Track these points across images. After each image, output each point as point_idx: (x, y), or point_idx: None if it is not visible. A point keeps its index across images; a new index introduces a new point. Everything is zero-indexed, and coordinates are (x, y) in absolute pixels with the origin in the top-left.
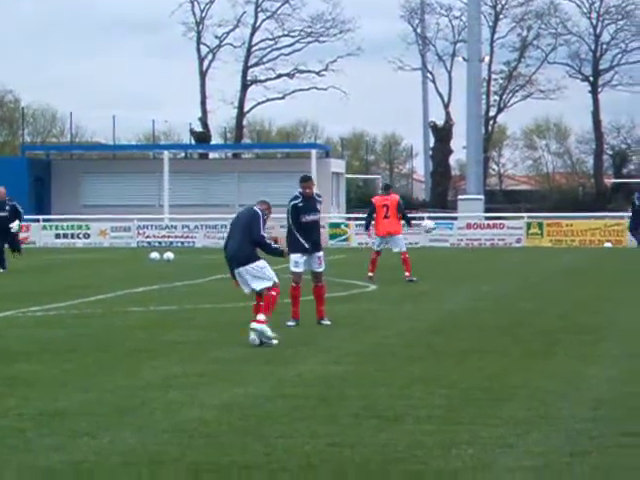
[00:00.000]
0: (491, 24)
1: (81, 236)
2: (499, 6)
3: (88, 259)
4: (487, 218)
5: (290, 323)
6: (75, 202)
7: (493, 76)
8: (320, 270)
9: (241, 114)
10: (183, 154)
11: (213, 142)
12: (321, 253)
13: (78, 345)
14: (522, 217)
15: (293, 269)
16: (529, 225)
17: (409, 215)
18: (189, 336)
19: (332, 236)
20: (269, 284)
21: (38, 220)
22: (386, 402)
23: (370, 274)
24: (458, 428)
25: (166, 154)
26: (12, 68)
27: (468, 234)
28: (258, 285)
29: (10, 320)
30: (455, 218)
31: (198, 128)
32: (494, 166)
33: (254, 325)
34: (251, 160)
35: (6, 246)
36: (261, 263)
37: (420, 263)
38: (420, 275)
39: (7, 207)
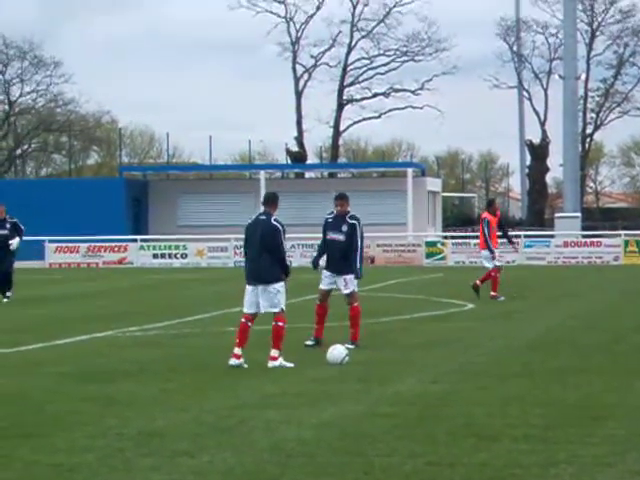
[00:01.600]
0: (587, 41)
1: (178, 256)
2: (595, 23)
3: (185, 279)
4: (584, 236)
5: (309, 342)
6: (172, 222)
7: (589, 94)
8: (347, 292)
9: (337, 133)
10: (279, 174)
11: (309, 162)
12: (349, 276)
13: (176, 365)
14: (619, 235)
15: (320, 285)
16: (627, 243)
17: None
18: (286, 356)
19: (428, 255)
20: (276, 310)
21: (136, 240)
22: (483, 421)
23: (493, 293)
24: (556, 447)
25: (262, 174)
26: (108, 89)
27: (565, 252)
28: (266, 308)
29: (110, 340)
30: (552, 236)
31: (294, 148)
32: (591, 184)
33: (270, 364)
34: (347, 179)
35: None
36: (279, 286)
37: (517, 281)
38: (517, 293)
39: (7, 225)
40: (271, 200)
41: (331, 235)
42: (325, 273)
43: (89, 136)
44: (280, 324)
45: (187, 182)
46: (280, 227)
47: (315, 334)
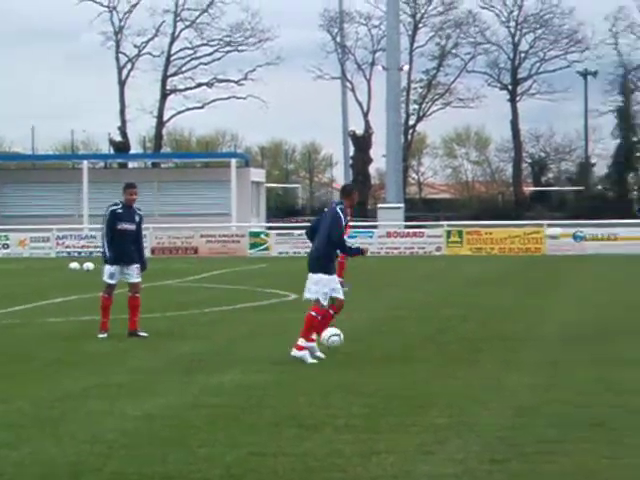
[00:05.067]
0: (410, 33)
1: (0, 246)
2: (418, 15)
3: (7, 269)
4: (407, 227)
5: (102, 335)
6: None
7: (412, 85)
8: (136, 281)
9: (160, 123)
10: (102, 164)
11: (132, 151)
12: (138, 265)
13: None
14: (442, 225)
15: (107, 280)
16: (449, 233)
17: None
18: (109, 346)
19: (252, 245)
20: (313, 298)
21: None
22: (306, 411)
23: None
24: (378, 436)
25: (85, 164)
26: None
27: (388, 242)
28: (307, 294)
29: None
30: (375, 227)
31: (117, 137)
32: (414, 175)
33: (295, 354)
34: (170, 170)
35: None
36: (325, 278)
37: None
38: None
39: None
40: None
41: (123, 225)
42: (113, 267)
43: None
44: (313, 313)
45: (9, 172)
46: (340, 214)
47: (103, 327)
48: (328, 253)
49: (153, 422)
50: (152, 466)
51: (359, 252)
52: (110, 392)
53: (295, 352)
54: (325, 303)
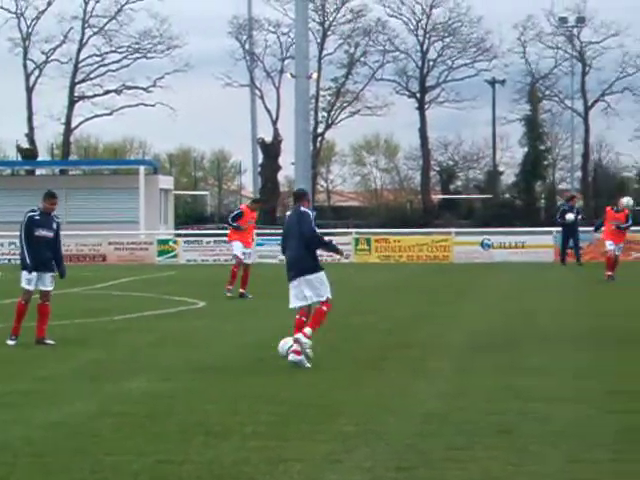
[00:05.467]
0: (319, 41)
1: None
2: (327, 23)
3: None
4: None
5: (11, 342)
6: None
7: (321, 93)
8: (49, 289)
9: (68, 130)
10: (10, 171)
11: (40, 159)
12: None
13: None
14: (350, 233)
15: (25, 286)
16: (357, 241)
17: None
18: (16, 354)
19: (160, 252)
20: (323, 299)
21: None
22: (214, 418)
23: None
24: (286, 444)
25: None
26: None
27: None
28: (313, 298)
29: None
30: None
31: (24, 144)
32: (322, 182)
33: (300, 336)
34: (79, 177)
35: None
36: (322, 275)
37: (251, 280)
38: (252, 291)
39: None
40: None
41: (41, 232)
42: (31, 274)
43: None
44: (324, 308)
45: None
46: (308, 212)
47: (15, 332)
48: (309, 251)
49: (59, 430)
50: (58, 475)
51: (336, 250)
52: (16, 400)
53: (293, 357)
54: (330, 296)
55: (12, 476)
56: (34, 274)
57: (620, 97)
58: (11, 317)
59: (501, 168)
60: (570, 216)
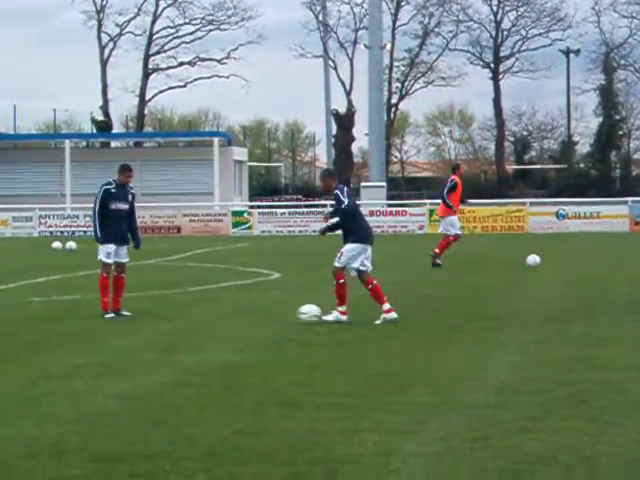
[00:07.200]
0: (393, 11)
1: None
2: None
3: None
4: (390, 205)
5: (108, 315)
6: None
7: (395, 63)
8: (124, 261)
9: (142, 102)
10: (85, 143)
11: (115, 131)
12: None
13: None
14: (424, 204)
15: (104, 259)
16: (432, 212)
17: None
18: (91, 326)
19: (235, 224)
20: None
21: None
22: (288, 389)
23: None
24: (360, 415)
25: (67, 143)
26: None
27: (371, 221)
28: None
29: None
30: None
31: (99, 117)
32: (396, 153)
33: (388, 316)
34: (153, 149)
35: None
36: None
37: (328, 251)
38: (319, 263)
39: None
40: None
41: (117, 204)
42: (109, 246)
43: None
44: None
45: None
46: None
47: (107, 307)
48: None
49: (135, 401)
50: (134, 445)
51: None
52: (92, 372)
53: (388, 315)
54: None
55: (89, 446)
56: (112, 246)
57: None
58: (88, 288)
59: (576, 138)
60: None
